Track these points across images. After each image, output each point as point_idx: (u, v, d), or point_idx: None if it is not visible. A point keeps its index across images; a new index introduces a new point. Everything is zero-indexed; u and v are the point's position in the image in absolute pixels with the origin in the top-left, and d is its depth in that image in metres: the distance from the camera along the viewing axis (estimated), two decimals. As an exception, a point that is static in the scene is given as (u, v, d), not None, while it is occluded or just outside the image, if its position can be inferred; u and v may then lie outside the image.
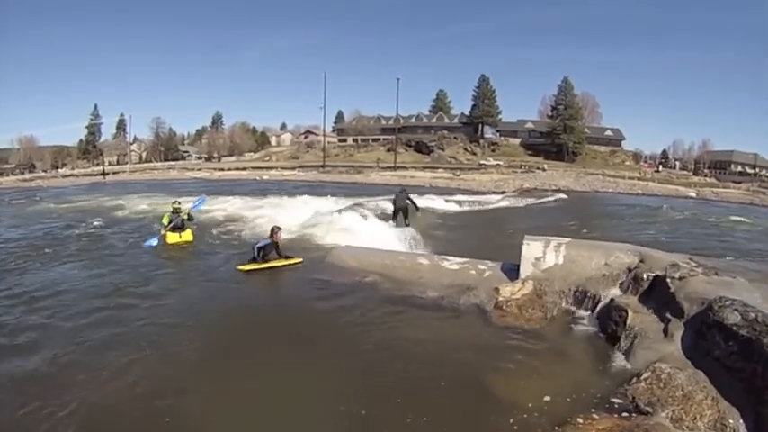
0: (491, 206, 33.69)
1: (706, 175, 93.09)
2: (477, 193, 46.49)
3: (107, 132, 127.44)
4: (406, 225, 18.57)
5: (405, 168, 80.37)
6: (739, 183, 79.82)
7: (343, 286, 9.46)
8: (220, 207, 23.16)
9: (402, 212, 18.98)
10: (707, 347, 5.40)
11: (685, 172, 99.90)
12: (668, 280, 6.80)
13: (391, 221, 19.04)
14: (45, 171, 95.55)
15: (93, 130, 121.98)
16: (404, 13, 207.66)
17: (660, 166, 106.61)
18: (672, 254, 8.20)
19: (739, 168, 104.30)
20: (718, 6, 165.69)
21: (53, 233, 16.49)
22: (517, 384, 5.54)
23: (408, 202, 19.15)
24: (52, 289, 9.65)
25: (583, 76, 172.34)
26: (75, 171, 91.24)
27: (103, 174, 77.08)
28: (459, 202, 32.77)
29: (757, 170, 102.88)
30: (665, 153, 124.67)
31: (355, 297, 8.89)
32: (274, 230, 11.97)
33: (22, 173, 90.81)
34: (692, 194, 59.09)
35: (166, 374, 5.92)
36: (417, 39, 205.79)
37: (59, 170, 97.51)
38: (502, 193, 47.35)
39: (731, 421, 4.60)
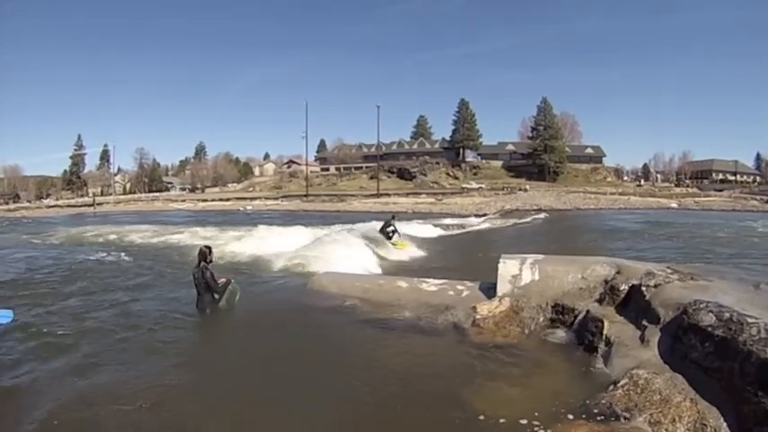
0: (472, 228, 34.02)
1: (688, 186, 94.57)
2: (460, 216, 46.84)
3: (91, 163, 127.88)
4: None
5: (388, 195, 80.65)
6: (721, 190, 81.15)
7: (324, 311, 9.38)
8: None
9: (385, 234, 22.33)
10: (684, 351, 5.35)
11: (667, 184, 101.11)
12: (643, 288, 6.78)
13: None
14: (29, 201, 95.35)
15: (77, 160, 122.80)
16: (383, 41, 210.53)
17: (642, 180, 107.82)
18: (648, 263, 8.20)
19: (720, 176, 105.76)
20: (693, 15, 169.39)
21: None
22: (494, 398, 5.46)
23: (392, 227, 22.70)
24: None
25: (561, 96, 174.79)
26: (60, 202, 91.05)
27: (93, 204, 77.13)
28: (441, 226, 33.07)
29: (738, 176, 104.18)
30: (646, 167, 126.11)
31: (336, 321, 8.81)
32: (204, 252, 9.86)
33: (7, 203, 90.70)
34: (674, 205, 59.85)
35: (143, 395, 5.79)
36: (397, 66, 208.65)
37: (44, 200, 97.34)
38: (483, 215, 47.75)
39: (711, 421, 4.54)
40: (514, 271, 8.58)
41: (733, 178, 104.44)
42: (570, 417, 4.94)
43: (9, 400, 5.98)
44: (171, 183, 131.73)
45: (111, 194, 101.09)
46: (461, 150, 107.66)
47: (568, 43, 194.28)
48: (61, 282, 13.34)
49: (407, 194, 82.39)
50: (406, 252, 20.63)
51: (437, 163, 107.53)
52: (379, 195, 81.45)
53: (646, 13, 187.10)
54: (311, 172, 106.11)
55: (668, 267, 7.57)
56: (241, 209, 68.19)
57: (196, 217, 50.89)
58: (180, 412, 5.52)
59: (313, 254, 17.26)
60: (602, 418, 4.84)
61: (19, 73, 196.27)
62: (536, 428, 4.81)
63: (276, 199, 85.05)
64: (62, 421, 5.39)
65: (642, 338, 6.03)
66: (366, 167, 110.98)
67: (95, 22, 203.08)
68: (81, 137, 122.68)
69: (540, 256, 8.95)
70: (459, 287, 9.53)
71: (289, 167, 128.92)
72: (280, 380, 6.39)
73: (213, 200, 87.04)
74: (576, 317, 7.52)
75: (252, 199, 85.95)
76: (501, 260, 8.81)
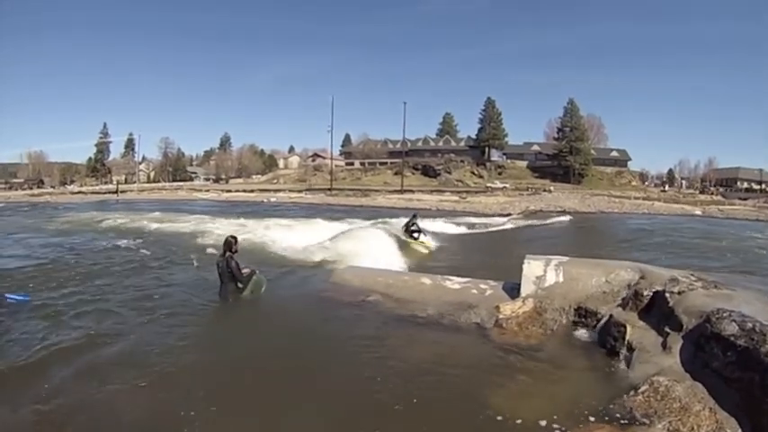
0: (496, 228, 33.85)
1: (712, 193, 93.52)
2: (484, 215, 46.57)
3: (116, 151, 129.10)
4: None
5: (411, 192, 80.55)
6: (745, 199, 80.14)
7: (346, 305, 9.43)
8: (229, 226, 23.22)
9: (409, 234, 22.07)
10: (705, 359, 5.37)
11: (692, 191, 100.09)
12: (667, 295, 6.78)
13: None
14: (53, 187, 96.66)
15: (102, 148, 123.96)
16: (410, 37, 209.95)
17: (666, 186, 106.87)
18: (672, 270, 8.17)
19: (745, 185, 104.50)
20: (721, 22, 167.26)
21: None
22: (515, 398, 5.51)
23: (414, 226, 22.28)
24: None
25: (588, 98, 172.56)
26: (84, 188, 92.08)
27: (117, 192, 78.09)
28: (464, 225, 33.02)
29: (763, 185, 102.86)
30: (671, 172, 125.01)
31: (358, 316, 8.87)
32: (229, 242, 10.04)
33: (31, 188, 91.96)
34: (698, 212, 58.83)
35: (163, 397, 5.86)
36: (424, 63, 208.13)
37: (68, 186, 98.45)
38: (507, 215, 47.43)
39: (729, 431, 4.58)
40: (539, 272, 8.60)
41: (758, 187, 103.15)
42: (591, 419, 4.99)
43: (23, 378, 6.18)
44: (195, 173, 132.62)
45: (135, 182, 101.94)
46: (487, 149, 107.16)
47: (596, 46, 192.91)
48: (80, 268, 13.49)
49: (431, 192, 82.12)
50: (429, 250, 20.66)
51: (462, 161, 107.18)
52: (403, 191, 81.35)
53: (674, 19, 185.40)
54: (336, 166, 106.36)
55: (692, 274, 7.56)
56: (265, 200, 68.38)
57: (220, 207, 51.29)
58: (190, 401, 5.62)
59: (337, 248, 17.39)
60: (623, 422, 4.88)
61: (48, 62, 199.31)
62: (555, 430, 4.87)
63: (300, 192, 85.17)
64: (70, 399, 5.65)
65: (664, 345, 6.04)
66: (391, 163, 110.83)
67: (124, 15, 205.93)
68: (106, 125, 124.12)
69: (565, 258, 8.96)
70: (483, 286, 9.55)
71: (313, 161, 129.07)
72: (299, 372, 6.49)
73: (237, 190, 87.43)
74: (598, 320, 7.54)
75: (276, 191, 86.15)
76: (525, 261, 8.82)
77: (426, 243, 21.80)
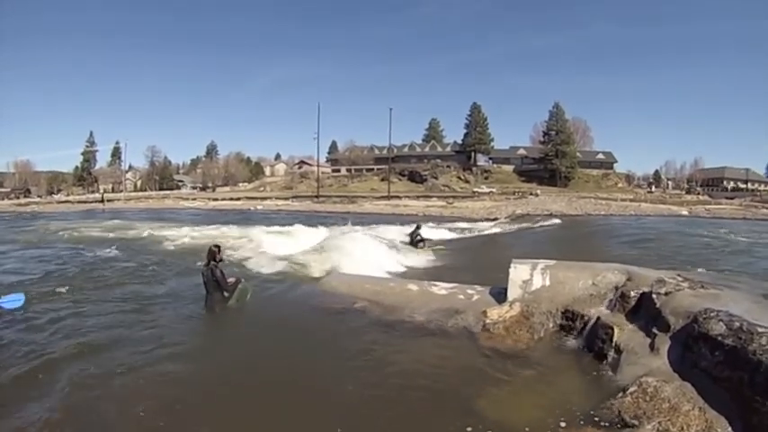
0: (483, 233, 33.83)
1: (699, 193, 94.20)
2: (470, 220, 46.55)
3: (102, 160, 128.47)
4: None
5: (398, 198, 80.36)
6: (732, 198, 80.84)
7: (334, 313, 9.40)
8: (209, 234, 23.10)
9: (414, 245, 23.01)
10: (693, 359, 5.37)
11: (678, 191, 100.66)
12: (654, 296, 6.78)
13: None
14: (40, 196, 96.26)
15: (89, 157, 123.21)
16: (396, 44, 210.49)
17: (653, 187, 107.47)
18: (659, 271, 8.17)
19: (731, 184, 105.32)
20: (707, 22, 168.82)
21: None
22: (503, 403, 5.49)
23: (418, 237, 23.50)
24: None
25: (574, 101, 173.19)
26: (71, 197, 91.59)
27: (102, 201, 77.92)
28: (451, 230, 32.99)
29: (749, 184, 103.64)
30: (657, 173, 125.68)
31: (345, 323, 8.83)
32: (213, 251, 9.95)
33: (18, 197, 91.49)
34: (685, 213, 59.02)
35: (151, 407, 5.78)
36: (410, 69, 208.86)
37: (54, 196, 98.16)
38: (494, 219, 47.43)
39: (719, 430, 4.57)
40: (525, 276, 8.57)
41: (744, 186, 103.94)
42: (579, 422, 4.97)
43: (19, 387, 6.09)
44: (182, 181, 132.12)
45: (121, 191, 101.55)
46: (473, 154, 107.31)
47: (581, 49, 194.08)
48: (68, 278, 13.30)
49: (418, 197, 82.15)
50: (418, 256, 20.66)
51: (448, 166, 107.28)
52: (389, 198, 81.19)
53: (659, 21, 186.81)
54: (322, 173, 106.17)
55: (679, 275, 7.56)
56: (252, 208, 68.15)
57: (207, 215, 51.03)
58: (178, 411, 5.60)
59: (323, 254, 17.31)
60: (606, 424, 4.87)
61: (33, 69, 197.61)
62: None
63: (287, 199, 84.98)
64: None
65: (652, 346, 6.04)
66: (377, 169, 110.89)
67: (109, 21, 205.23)
68: (93, 134, 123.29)
69: (551, 262, 8.92)
70: (470, 291, 9.52)
71: (300, 168, 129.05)
72: (285, 381, 6.45)
73: (224, 199, 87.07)
74: (586, 323, 7.51)
75: (262, 199, 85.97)
76: (512, 265, 8.77)
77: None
